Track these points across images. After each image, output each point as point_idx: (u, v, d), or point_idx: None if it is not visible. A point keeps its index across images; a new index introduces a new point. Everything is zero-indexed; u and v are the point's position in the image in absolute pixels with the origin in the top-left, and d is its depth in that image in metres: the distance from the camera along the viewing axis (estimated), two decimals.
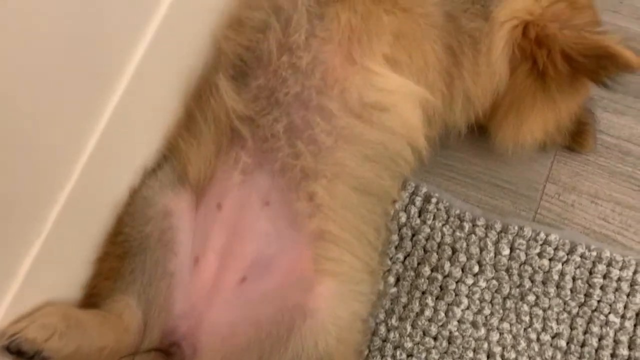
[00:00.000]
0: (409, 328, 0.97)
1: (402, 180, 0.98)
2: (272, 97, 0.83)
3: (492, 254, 1.00)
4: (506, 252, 1.00)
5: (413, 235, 1.02)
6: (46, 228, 0.71)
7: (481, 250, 1.00)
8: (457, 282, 0.99)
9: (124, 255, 0.79)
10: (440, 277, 0.99)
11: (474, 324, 0.97)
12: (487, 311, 0.98)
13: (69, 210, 0.73)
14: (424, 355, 0.95)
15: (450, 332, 0.96)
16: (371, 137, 0.84)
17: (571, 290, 0.99)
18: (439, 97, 0.91)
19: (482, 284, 0.99)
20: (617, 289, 0.99)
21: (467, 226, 1.01)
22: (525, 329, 0.97)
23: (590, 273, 1.00)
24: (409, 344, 0.96)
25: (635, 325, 0.97)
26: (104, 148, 0.76)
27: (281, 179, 0.83)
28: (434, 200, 1.03)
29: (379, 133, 0.85)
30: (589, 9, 0.94)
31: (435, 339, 0.96)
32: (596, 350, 0.96)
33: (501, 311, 0.98)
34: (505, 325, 0.97)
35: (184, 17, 0.84)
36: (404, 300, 0.98)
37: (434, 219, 1.02)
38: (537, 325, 0.97)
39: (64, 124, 0.70)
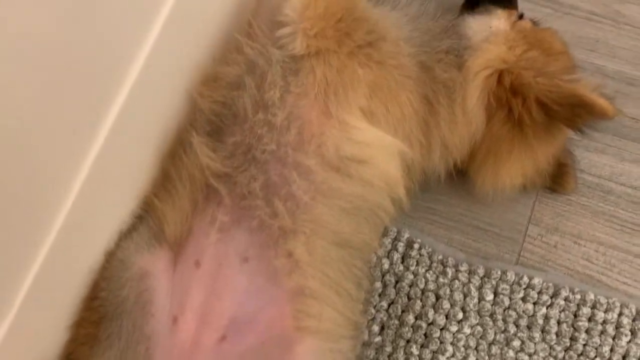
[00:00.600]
0: None
1: (383, 229, 0.98)
2: (248, 153, 0.83)
3: (475, 300, 0.99)
4: (490, 297, 0.99)
5: (396, 282, 1.01)
6: (19, 297, 0.71)
7: (465, 296, 1.00)
8: (441, 330, 0.98)
9: (100, 320, 0.78)
10: (424, 324, 0.98)
11: None
12: (472, 358, 0.97)
13: (43, 277, 0.72)
14: None
15: None
16: (350, 190, 0.84)
17: (556, 335, 0.98)
18: (416, 146, 0.92)
19: (467, 330, 0.98)
20: (602, 332, 0.98)
21: (450, 272, 1.01)
22: None
23: (575, 316, 0.99)
24: None
25: None
26: (78, 212, 0.75)
27: (259, 235, 0.82)
28: (416, 245, 1.02)
29: (358, 186, 0.85)
30: (563, 54, 0.95)
31: None
32: None
33: (487, 358, 0.97)
34: None
35: (158, 75, 0.84)
36: (388, 349, 0.97)
37: (417, 264, 1.01)
38: None
39: (37, 188, 0.69)
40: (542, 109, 0.88)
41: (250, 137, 0.83)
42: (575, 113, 0.87)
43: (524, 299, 0.99)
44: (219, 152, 0.83)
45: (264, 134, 0.82)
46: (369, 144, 0.85)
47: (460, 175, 1.03)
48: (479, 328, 0.98)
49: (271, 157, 0.82)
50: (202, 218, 0.84)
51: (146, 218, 0.84)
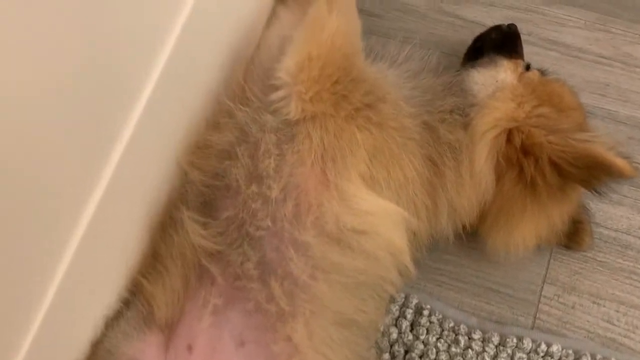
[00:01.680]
0: None
1: (389, 301, 0.92)
2: (242, 229, 0.77)
3: None
4: None
5: (406, 353, 0.94)
6: None
7: None
8: None
9: None
10: None
11: None
12: None
13: None
14: None
15: None
16: (352, 264, 0.78)
17: None
18: (422, 210, 0.86)
19: None
20: None
21: (462, 340, 0.94)
22: None
23: None
24: None
25: None
26: (63, 300, 0.69)
27: (255, 318, 0.76)
28: (426, 312, 0.96)
29: (360, 259, 0.79)
30: (575, 109, 0.89)
31: None
32: None
33: None
34: None
35: (146, 145, 0.79)
36: None
37: (427, 333, 0.95)
38: None
39: (18, 278, 0.64)
40: (556, 170, 0.82)
41: (244, 212, 0.77)
42: (592, 174, 0.81)
43: None
44: (211, 228, 0.78)
45: (258, 207, 0.77)
46: (370, 213, 0.80)
47: (470, 235, 0.97)
48: None
49: (266, 233, 0.76)
50: (195, 300, 0.78)
51: (134, 302, 0.78)
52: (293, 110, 0.80)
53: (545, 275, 1.00)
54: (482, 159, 0.84)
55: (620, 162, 0.78)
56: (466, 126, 0.85)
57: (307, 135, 0.80)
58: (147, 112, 0.76)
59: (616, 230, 1.03)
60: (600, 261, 1.01)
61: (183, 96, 0.84)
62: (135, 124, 0.75)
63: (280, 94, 0.81)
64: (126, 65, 0.71)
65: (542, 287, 1.00)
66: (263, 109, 0.82)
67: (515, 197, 0.86)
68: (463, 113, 0.86)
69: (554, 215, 0.88)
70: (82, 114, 0.66)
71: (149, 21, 0.73)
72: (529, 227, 0.89)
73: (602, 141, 0.81)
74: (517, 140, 0.84)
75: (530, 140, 0.83)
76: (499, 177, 0.87)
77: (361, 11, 1.13)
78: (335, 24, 0.85)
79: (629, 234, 1.02)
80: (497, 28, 1.02)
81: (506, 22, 1.12)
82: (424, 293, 0.99)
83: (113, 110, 0.71)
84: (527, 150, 0.84)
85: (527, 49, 1.10)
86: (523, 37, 1.11)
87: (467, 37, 1.12)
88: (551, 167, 0.82)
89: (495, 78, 0.91)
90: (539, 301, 0.99)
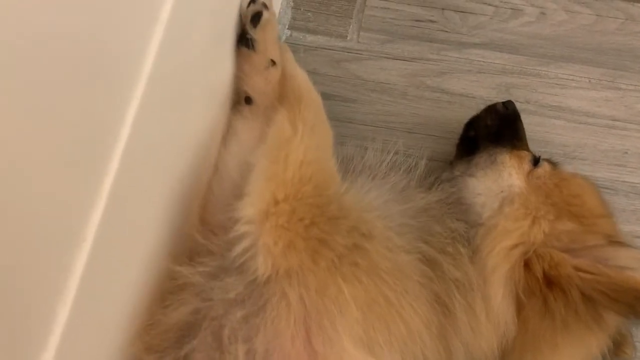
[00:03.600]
0: None
1: None
2: None
3: None
4: None
5: None
6: None
7: None
8: None
9: None
10: None
11: None
12: None
13: None
14: None
15: None
16: None
17: None
18: (434, 357, 0.71)
19: None
20: None
21: None
22: None
23: None
24: None
25: None
26: None
27: None
28: None
29: None
30: (601, 216, 0.74)
31: None
32: None
33: None
34: None
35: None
36: None
37: None
38: None
39: None
40: (589, 303, 0.68)
41: None
42: (634, 305, 0.67)
43: None
44: None
45: None
46: None
47: None
48: None
49: None
50: None
51: None
52: (261, 267, 0.65)
53: None
54: (498, 296, 0.69)
55: None
56: (473, 256, 0.71)
57: (282, 295, 0.65)
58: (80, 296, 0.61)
59: None
60: None
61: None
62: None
63: (243, 245, 0.66)
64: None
65: None
66: (224, 268, 0.68)
67: (543, 334, 0.71)
68: (467, 239, 0.71)
69: (591, 346, 0.73)
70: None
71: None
72: None
73: None
74: (538, 269, 0.69)
75: (555, 271, 0.67)
76: (520, 309, 0.72)
77: (333, 96, 1.01)
78: (302, 148, 0.71)
79: None
80: (491, 110, 0.87)
81: (498, 91, 0.99)
82: None
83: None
84: (551, 282, 0.69)
85: (527, 120, 0.95)
86: (520, 106, 0.97)
87: (457, 113, 0.98)
88: (584, 302, 0.67)
89: (500, 185, 0.76)
90: None
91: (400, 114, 0.98)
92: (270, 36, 0.81)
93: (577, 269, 0.67)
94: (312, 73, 1.00)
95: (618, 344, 0.82)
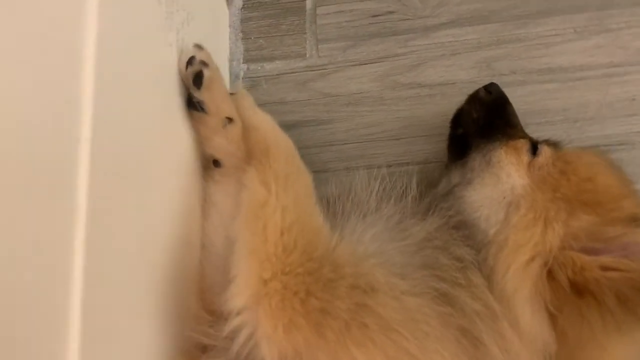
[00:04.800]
0: None
1: None
2: None
3: None
4: None
5: None
6: None
7: None
8: None
9: None
10: None
11: None
12: None
13: None
14: None
15: None
16: None
17: None
18: None
19: None
20: None
21: None
22: None
23: None
24: None
25: None
26: None
27: None
28: None
29: None
30: (619, 195, 0.65)
31: None
32: None
33: None
34: None
35: None
36: None
37: None
38: None
39: None
40: (627, 303, 0.60)
41: None
42: None
43: None
44: None
45: None
46: None
47: None
48: None
49: None
50: None
51: None
52: (267, 356, 0.61)
53: None
54: (526, 317, 0.62)
55: None
56: (489, 279, 0.64)
57: None
58: None
59: None
60: None
61: None
62: None
63: (242, 337, 0.61)
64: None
65: None
66: None
67: (585, 342, 0.64)
68: (478, 262, 0.65)
69: None
70: None
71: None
72: None
73: None
74: (563, 278, 0.61)
75: (581, 277, 0.60)
76: (555, 321, 0.65)
77: (307, 122, 0.94)
78: (279, 211, 0.65)
79: None
80: (474, 100, 0.79)
81: (479, 69, 0.91)
82: None
83: None
84: (580, 289, 0.62)
85: (518, 92, 0.87)
86: (507, 79, 0.89)
87: (441, 105, 0.90)
88: (620, 302, 0.60)
89: (501, 191, 0.68)
90: None
91: (381, 123, 0.91)
92: (218, 93, 0.75)
93: (604, 268, 0.60)
94: (279, 103, 0.95)
95: None
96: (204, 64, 0.75)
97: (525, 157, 0.71)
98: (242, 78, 0.96)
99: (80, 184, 0.54)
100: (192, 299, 0.74)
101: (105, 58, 0.58)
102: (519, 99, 0.87)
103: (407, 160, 0.91)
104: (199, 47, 0.77)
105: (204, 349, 0.68)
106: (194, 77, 0.74)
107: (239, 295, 0.62)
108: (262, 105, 0.94)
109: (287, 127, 0.93)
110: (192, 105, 0.75)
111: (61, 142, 0.53)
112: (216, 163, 0.78)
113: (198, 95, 0.74)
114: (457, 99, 0.84)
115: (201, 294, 0.74)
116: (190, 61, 0.75)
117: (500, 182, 0.69)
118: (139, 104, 0.68)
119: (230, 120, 0.75)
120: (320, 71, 0.95)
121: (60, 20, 0.55)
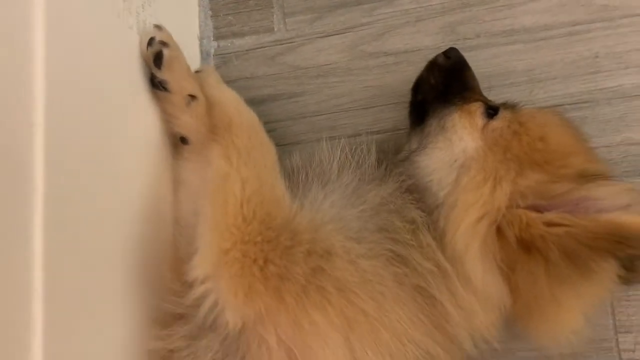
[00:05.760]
0: None
1: None
2: None
3: None
4: None
5: None
6: None
7: None
8: None
9: None
10: None
11: None
12: None
13: None
14: None
15: None
16: None
17: None
18: (438, 352, 0.68)
19: None
20: None
21: None
22: None
23: None
24: None
25: None
26: None
27: None
28: None
29: None
30: (570, 153, 0.66)
31: None
32: None
33: None
34: None
35: None
36: None
37: None
38: None
39: None
40: (573, 258, 0.62)
41: None
42: (616, 249, 0.60)
43: None
44: None
45: None
46: None
47: None
48: None
49: None
50: None
51: None
52: (231, 321, 0.64)
53: (615, 325, 0.81)
54: (478, 274, 0.65)
55: None
56: (441, 239, 0.66)
57: (260, 341, 0.64)
58: None
59: None
60: None
61: None
62: None
63: (207, 304, 0.65)
64: None
65: (617, 339, 0.81)
66: (201, 329, 0.67)
67: (539, 296, 0.66)
68: (429, 224, 0.67)
69: (598, 289, 0.68)
70: None
71: None
72: (572, 314, 0.69)
73: (620, 197, 0.61)
74: (510, 235, 0.63)
75: (527, 234, 0.62)
76: (507, 277, 0.67)
77: (278, 96, 0.96)
78: (239, 184, 0.68)
79: None
80: (432, 66, 0.80)
81: (444, 35, 0.92)
82: None
83: None
84: (527, 245, 0.64)
85: (482, 55, 0.88)
86: (471, 43, 0.90)
87: (407, 73, 0.91)
88: (567, 257, 0.62)
89: (452, 154, 0.70)
90: (620, 356, 0.81)
91: (351, 93, 0.93)
92: (180, 72, 0.77)
93: (549, 224, 0.62)
94: (250, 78, 0.97)
95: (633, 266, 0.76)
96: (164, 43, 0.77)
97: (480, 120, 0.72)
98: (213, 55, 0.98)
99: (37, 166, 0.57)
100: (166, 271, 0.78)
101: (57, 44, 0.61)
102: (484, 62, 0.89)
103: (377, 129, 0.92)
104: (158, 27, 0.79)
105: (179, 317, 0.72)
106: (155, 57, 0.76)
107: (202, 265, 0.65)
108: (233, 81, 0.97)
109: (259, 101, 0.96)
110: (155, 85, 0.78)
111: (14, 128, 0.56)
112: (184, 140, 0.80)
113: (159, 75, 0.77)
114: (422, 66, 0.85)
115: (175, 266, 0.77)
116: (150, 42, 0.77)
117: (453, 146, 0.71)
118: (98, 87, 0.70)
119: (193, 97, 0.77)
120: (289, 45, 0.96)
121: (9, 6, 0.57)
